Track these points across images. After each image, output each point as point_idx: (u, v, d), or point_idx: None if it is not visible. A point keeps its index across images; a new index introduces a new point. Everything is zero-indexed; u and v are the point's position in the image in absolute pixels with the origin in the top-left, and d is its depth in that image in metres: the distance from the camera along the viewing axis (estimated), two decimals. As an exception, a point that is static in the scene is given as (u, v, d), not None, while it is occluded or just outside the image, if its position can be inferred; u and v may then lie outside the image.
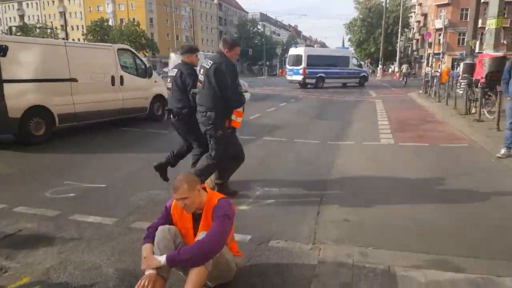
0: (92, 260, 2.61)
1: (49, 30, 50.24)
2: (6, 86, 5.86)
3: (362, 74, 24.72)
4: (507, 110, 5.28)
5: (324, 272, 2.44)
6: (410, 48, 57.45)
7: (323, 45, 60.50)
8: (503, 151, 5.19)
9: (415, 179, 4.47)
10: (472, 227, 3.13)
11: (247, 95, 3.74)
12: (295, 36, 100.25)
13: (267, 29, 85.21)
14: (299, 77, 22.24)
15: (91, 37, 50.39)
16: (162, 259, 1.96)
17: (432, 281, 2.29)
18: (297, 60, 22.50)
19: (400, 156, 5.64)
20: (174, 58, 15.97)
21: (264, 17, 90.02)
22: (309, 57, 22.23)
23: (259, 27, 76.41)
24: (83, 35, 55.21)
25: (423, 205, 3.62)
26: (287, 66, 23.68)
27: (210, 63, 3.46)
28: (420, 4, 51.39)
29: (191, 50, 4.04)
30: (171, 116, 3.95)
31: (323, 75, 22.61)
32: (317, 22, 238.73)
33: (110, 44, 8.80)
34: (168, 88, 4.15)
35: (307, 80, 22.20)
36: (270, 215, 3.41)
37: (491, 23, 8.81)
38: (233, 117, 3.71)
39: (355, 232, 3.05)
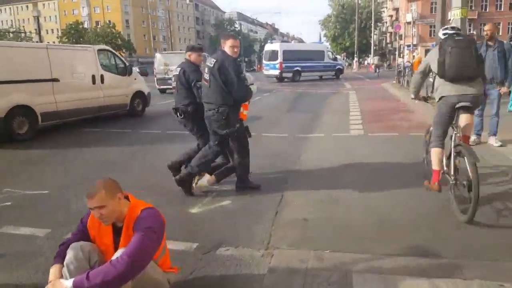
0: (11, 281, 2.24)
1: (22, 35, 49.60)
2: None
3: (337, 67, 24.92)
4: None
5: (273, 282, 2.16)
6: (384, 41, 58.53)
7: (300, 41, 60.88)
8: (472, 137, 5.06)
9: (382, 169, 4.27)
10: (436, 222, 2.92)
11: (253, 88, 3.70)
12: (273, 33, 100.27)
13: (244, 28, 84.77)
14: (276, 72, 22.43)
15: (66, 40, 50.21)
16: (69, 284, 1.61)
17: (392, 286, 2.04)
18: (273, 55, 22.63)
19: (368, 147, 5.45)
20: (160, 58, 16.01)
21: (241, 16, 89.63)
22: (285, 52, 22.48)
23: (236, 25, 75.84)
24: (57, 37, 54.29)
25: (388, 198, 3.41)
26: (264, 61, 23.51)
27: (213, 61, 3.46)
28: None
29: (194, 48, 4.06)
30: (177, 115, 3.93)
31: (299, 68, 22.86)
32: (293, 19, 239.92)
33: (90, 45, 9.42)
34: (172, 87, 4.14)
35: (284, 74, 22.40)
36: (224, 218, 3.10)
37: (455, 14, 8.77)
38: (240, 109, 3.67)
39: (313, 233, 2.79)
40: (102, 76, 8.23)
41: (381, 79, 20.54)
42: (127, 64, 9.29)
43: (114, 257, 1.66)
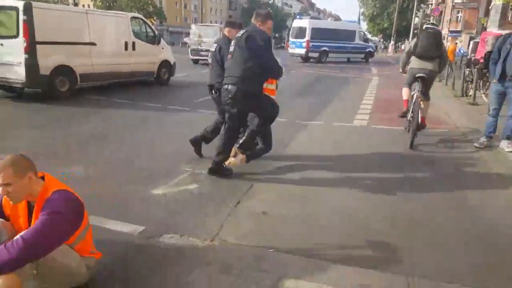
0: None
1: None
2: (38, 47, 6.69)
3: (368, 50, 23.64)
4: (490, 94, 4.66)
5: (198, 278, 2.06)
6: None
7: (337, 18, 57.85)
8: (481, 139, 4.63)
9: (368, 166, 4.01)
10: (407, 226, 2.69)
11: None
12: (308, 8, 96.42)
13: (279, 1, 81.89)
14: (302, 51, 21.46)
15: (100, 3, 50.12)
16: None
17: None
18: (300, 32, 21.60)
19: (365, 140, 5.11)
20: (195, 30, 16.79)
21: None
22: (313, 30, 21.35)
23: (270, -3, 73.34)
24: (92, 0, 54.80)
25: (360, 197, 3.20)
26: (290, 39, 22.67)
27: (242, 31, 3.31)
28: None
29: (234, 24, 3.91)
30: (212, 92, 3.88)
31: (326, 49, 21.79)
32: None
33: (124, 13, 9.80)
34: (208, 64, 4.21)
35: (310, 54, 21.41)
36: (183, 203, 3.01)
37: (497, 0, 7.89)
38: (265, 85, 3.47)
39: (267, 228, 2.65)
40: (133, 43, 8.75)
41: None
42: (156, 33, 9.67)
43: (10, 241, 1.60)
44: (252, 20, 3.40)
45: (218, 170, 3.52)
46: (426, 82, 4.84)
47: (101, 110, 6.52)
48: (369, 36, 62.89)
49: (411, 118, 4.81)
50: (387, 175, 3.76)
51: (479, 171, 3.95)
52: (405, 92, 5.20)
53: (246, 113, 3.54)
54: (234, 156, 3.60)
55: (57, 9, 7.64)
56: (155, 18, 52.60)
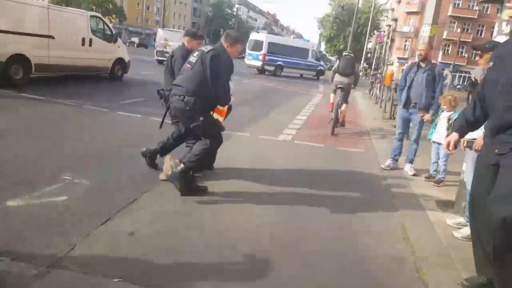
0: None
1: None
2: None
3: (319, 68, 24.58)
4: (397, 118, 4.80)
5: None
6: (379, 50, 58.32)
7: (299, 36, 59.71)
8: (388, 162, 4.71)
9: (275, 181, 3.81)
10: (285, 243, 2.49)
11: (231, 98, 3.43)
12: (272, 24, 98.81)
13: (243, 13, 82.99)
14: (258, 63, 21.87)
15: None
16: None
17: None
18: (257, 45, 21.99)
19: (283, 155, 5.01)
20: (161, 34, 18.72)
21: (243, 1, 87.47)
22: (270, 44, 21.93)
23: (234, 9, 74.10)
24: None
25: (246, 218, 2.95)
26: (247, 50, 22.84)
27: (209, 47, 3.24)
28: (393, 9, 52.10)
29: (194, 35, 3.79)
30: (160, 98, 3.77)
31: (282, 63, 22.39)
32: (297, 14, 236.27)
33: (84, 11, 10.61)
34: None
35: (266, 67, 21.84)
36: (36, 219, 2.57)
37: (425, 30, 8.46)
38: (214, 115, 3.34)
39: (124, 253, 2.30)
40: (90, 40, 9.34)
41: (358, 87, 20.17)
42: (113, 32, 10.44)
43: None
44: (222, 39, 3.33)
45: (187, 180, 3.21)
46: (344, 90, 7.01)
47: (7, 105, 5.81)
48: (327, 55, 65.32)
49: (334, 114, 6.74)
50: (286, 191, 3.63)
51: (377, 194, 3.88)
52: (332, 97, 7.48)
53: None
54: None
55: (19, 1, 7.86)
56: (114, 16, 50.75)
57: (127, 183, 3.36)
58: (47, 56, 8.09)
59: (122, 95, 8.56)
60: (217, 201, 3.24)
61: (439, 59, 36.25)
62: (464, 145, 2.73)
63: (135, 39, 48.76)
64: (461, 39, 37.37)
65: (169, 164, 3.23)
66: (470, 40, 40.32)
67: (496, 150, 1.96)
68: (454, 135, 2.36)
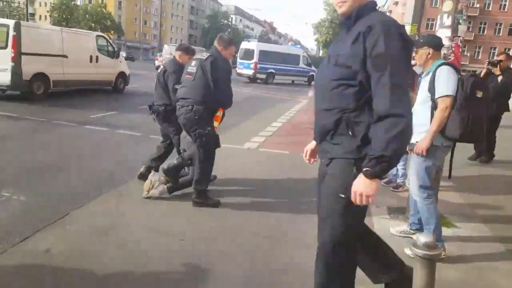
0: None
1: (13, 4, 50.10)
2: (23, 57, 8.26)
3: (311, 74, 24.57)
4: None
5: None
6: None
7: (297, 43, 60.02)
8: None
9: (218, 192, 3.74)
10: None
11: None
12: (269, 32, 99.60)
13: (240, 23, 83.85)
14: (250, 71, 22.01)
15: (56, 15, 48.86)
16: None
17: None
18: (248, 54, 22.17)
19: (241, 162, 4.96)
20: (167, 49, 20.91)
21: (239, 11, 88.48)
22: (261, 52, 22.12)
23: (229, 19, 74.87)
24: (48, 12, 53.05)
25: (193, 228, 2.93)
26: (238, 59, 23.03)
27: (206, 55, 3.32)
28: (391, 11, 52.26)
29: (186, 50, 3.89)
30: (151, 112, 3.84)
31: (273, 71, 22.56)
32: (293, 20, 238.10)
33: (91, 32, 12.34)
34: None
35: (258, 75, 21.97)
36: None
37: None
38: (216, 113, 3.46)
39: (35, 273, 2.25)
40: (97, 57, 10.53)
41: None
42: (115, 48, 11.64)
43: None
44: (215, 43, 3.41)
45: (203, 199, 3.33)
46: None
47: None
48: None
49: None
50: (234, 200, 3.57)
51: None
52: None
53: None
54: (154, 187, 3.40)
55: (39, 27, 9.53)
56: (112, 32, 51.71)
57: (66, 197, 3.35)
58: (62, 73, 9.32)
59: (109, 106, 8.90)
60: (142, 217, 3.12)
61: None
62: (408, 148, 2.60)
63: (123, 53, 49.58)
64: (465, 38, 37.23)
65: (150, 180, 3.35)
66: (472, 39, 40.31)
67: (323, 160, 1.72)
68: None
